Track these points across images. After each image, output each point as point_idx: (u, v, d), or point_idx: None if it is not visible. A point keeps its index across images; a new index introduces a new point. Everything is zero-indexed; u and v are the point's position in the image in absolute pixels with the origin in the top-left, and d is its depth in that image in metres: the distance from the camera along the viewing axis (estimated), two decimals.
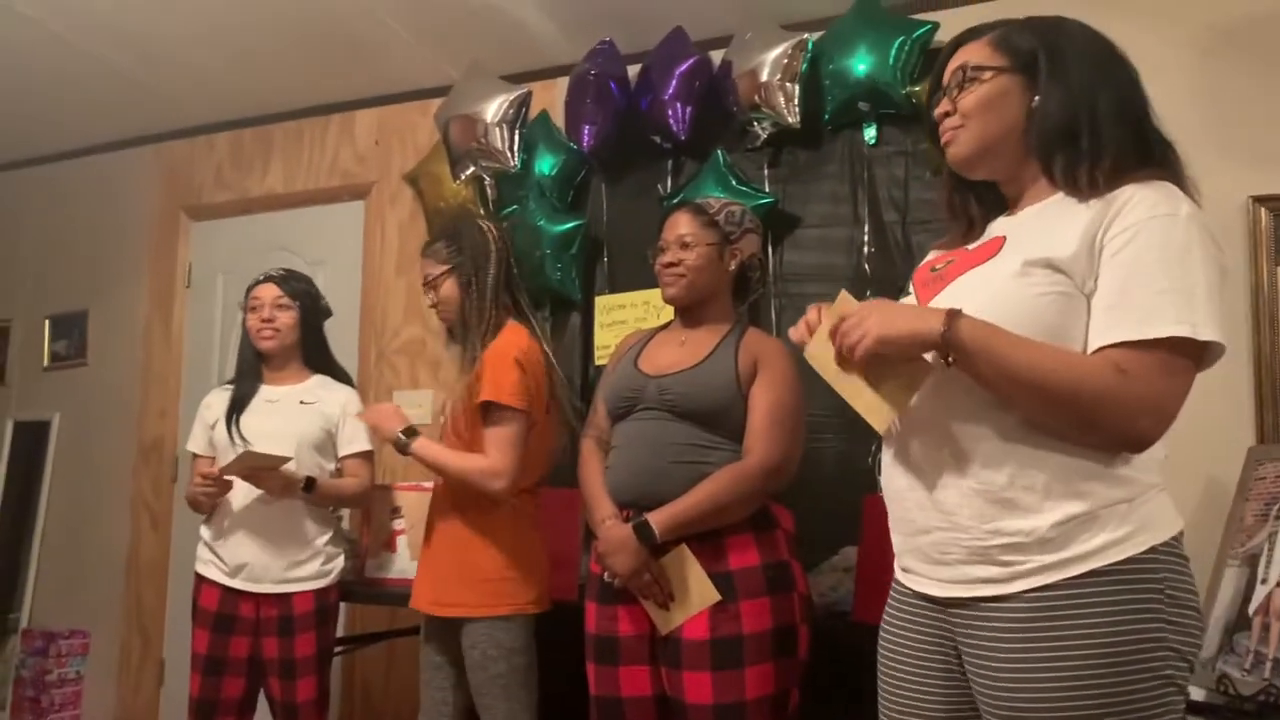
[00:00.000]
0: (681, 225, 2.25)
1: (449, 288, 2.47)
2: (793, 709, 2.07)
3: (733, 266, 2.28)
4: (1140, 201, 1.31)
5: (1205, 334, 1.27)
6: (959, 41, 1.52)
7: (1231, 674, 2.16)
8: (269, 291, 2.80)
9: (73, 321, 4.86)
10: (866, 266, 2.99)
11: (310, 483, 2.67)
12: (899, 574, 1.54)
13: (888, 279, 2.92)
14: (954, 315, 1.31)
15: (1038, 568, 1.33)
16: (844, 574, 2.57)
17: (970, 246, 1.51)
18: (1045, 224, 1.39)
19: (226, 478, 2.64)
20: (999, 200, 1.54)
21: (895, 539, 1.52)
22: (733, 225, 2.29)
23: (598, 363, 3.33)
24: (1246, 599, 2.24)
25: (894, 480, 1.50)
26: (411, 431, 2.36)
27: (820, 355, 1.45)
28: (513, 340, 2.38)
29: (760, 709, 2.00)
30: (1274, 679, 2.05)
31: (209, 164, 4.59)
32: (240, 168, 4.50)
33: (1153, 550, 1.33)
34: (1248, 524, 2.35)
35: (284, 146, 4.39)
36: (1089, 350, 1.32)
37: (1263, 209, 2.59)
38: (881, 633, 1.56)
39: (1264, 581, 2.22)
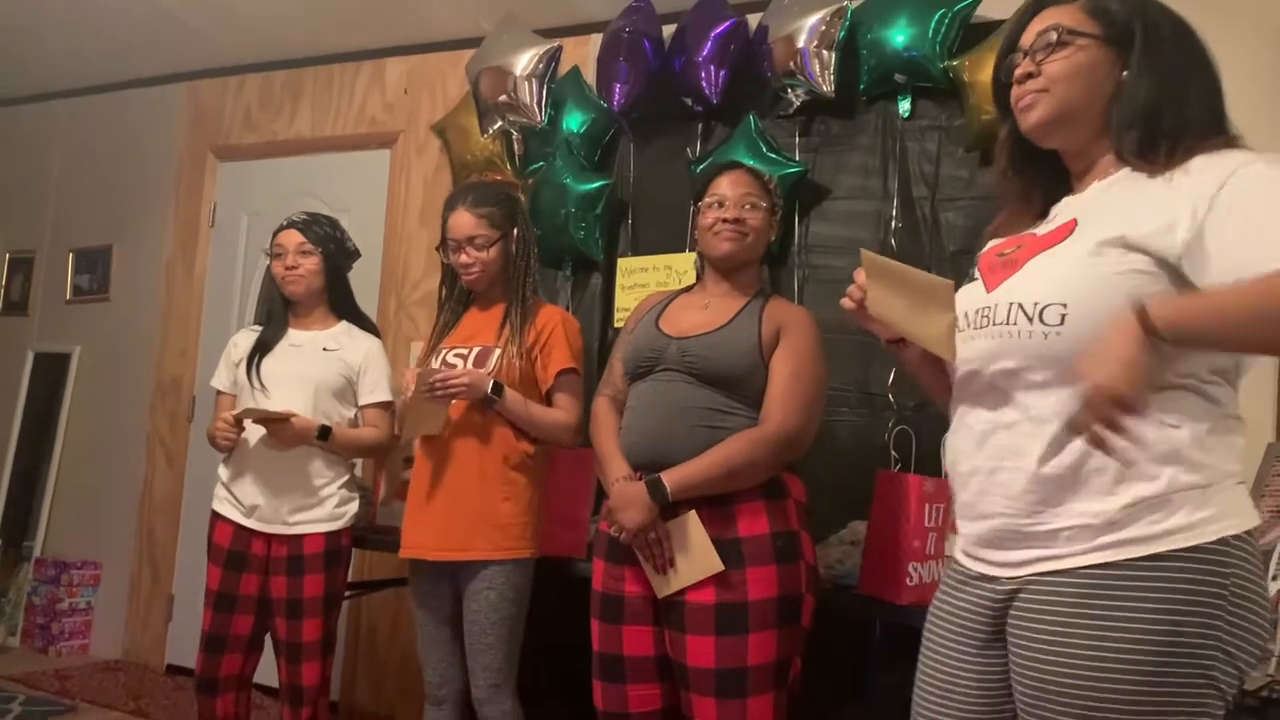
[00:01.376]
0: (744, 184, 2.25)
1: (491, 253, 2.55)
2: (794, 677, 2.08)
3: (774, 237, 2.34)
4: (1225, 160, 1.28)
5: None
6: (1042, 3, 1.46)
7: None
8: (292, 238, 2.80)
9: (96, 256, 4.89)
10: (893, 241, 2.96)
11: (326, 431, 2.68)
12: (959, 556, 1.49)
13: (914, 255, 2.89)
14: (1139, 306, 1.21)
15: (1100, 545, 1.29)
16: (851, 547, 2.57)
17: (1039, 231, 1.45)
18: (1116, 201, 1.36)
19: (243, 422, 2.67)
20: (1056, 176, 1.49)
21: (959, 523, 1.48)
22: (778, 196, 2.34)
23: (616, 325, 3.32)
24: None
25: (958, 463, 1.47)
26: (499, 387, 2.43)
27: (882, 302, 1.50)
28: (561, 313, 2.63)
29: (761, 675, 2.01)
30: (1278, 674, 2.04)
31: (238, 105, 4.58)
32: (269, 110, 4.50)
33: (1223, 541, 1.27)
34: (1263, 520, 2.34)
35: (314, 91, 4.38)
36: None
37: None
38: (931, 610, 1.51)
39: (1275, 578, 2.21)
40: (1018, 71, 1.44)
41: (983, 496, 1.40)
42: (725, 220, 2.22)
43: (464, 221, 2.54)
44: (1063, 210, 1.45)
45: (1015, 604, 1.36)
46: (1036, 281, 1.36)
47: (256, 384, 2.73)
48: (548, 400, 2.53)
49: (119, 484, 4.67)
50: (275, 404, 2.70)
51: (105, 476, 4.73)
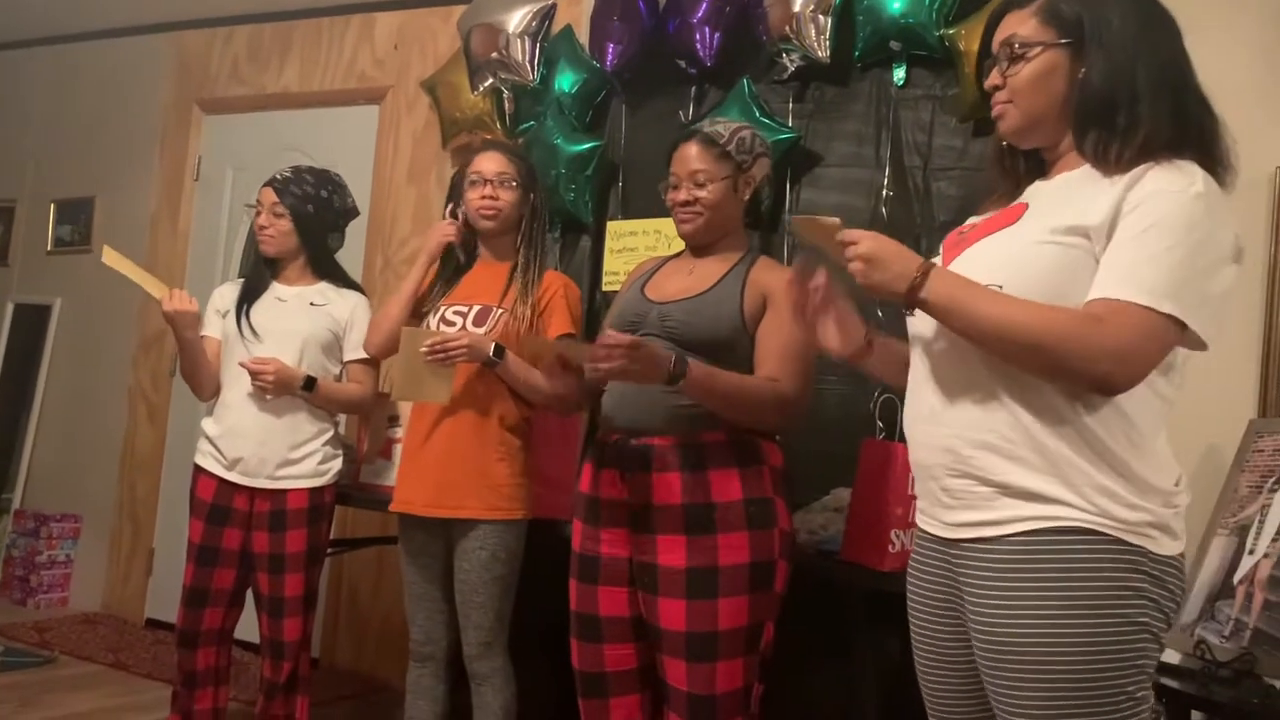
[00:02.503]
0: (694, 160, 2.18)
1: (514, 197, 2.55)
2: (767, 642, 2.09)
3: (747, 196, 2.24)
4: (1155, 179, 1.35)
5: (1165, 307, 1.31)
6: (1005, 8, 1.52)
7: (1210, 640, 2.18)
8: (268, 196, 2.78)
9: (79, 207, 4.83)
10: (884, 210, 2.95)
11: (310, 382, 2.67)
12: (917, 518, 1.60)
13: (905, 224, 2.88)
14: (924, 275, 1.38)
15: (1030, 516, 1.40)
16: (835, 514, 2.59)
17: (992, 212, 1.55)
18: (1069, 194, 1.44)
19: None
20: (1042, 166, 1.56)
21: (916, 485, 1.60)
22: (744, 153, 2.21)
23: (605, 288, 3.31)
24: (1232, 568, 2.25)
25: (911, 428, 1.57)
26: (500, 349, 2.42)
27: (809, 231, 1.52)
28: (563, 278, 2.62)
29: (732, 639, 2.02)
30: (1252, 647, 2.07)
31: (225, 57, 4.52)
32: (257, 63, 4.44)
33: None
34: (1242, 495, 2.36)
35: (302, 44, 4.32)
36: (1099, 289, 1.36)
37: None
38: (908, 576, 1.62)
39: (1251, 552, 2.23)
40: (987, 83, 1.52)
41: (929, 454, 1.51)
42: (678, 203, 2.20)
43: (494, 159, 2.55)
44: (1024, 194, 1.53)
45: (967, 572, 1.46)
46: (979, 262, 1.44)
47: (248, 333, 2.71)
48: None
49: (100, 437, 4.64)
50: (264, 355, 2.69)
51: (86, 429, 4.71)
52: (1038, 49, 1.45)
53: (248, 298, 2.77)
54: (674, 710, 2.05)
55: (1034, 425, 1.40)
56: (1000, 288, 1.38)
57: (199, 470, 2.76)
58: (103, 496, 4.61)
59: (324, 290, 2.82)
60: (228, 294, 2.85)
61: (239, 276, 2.93)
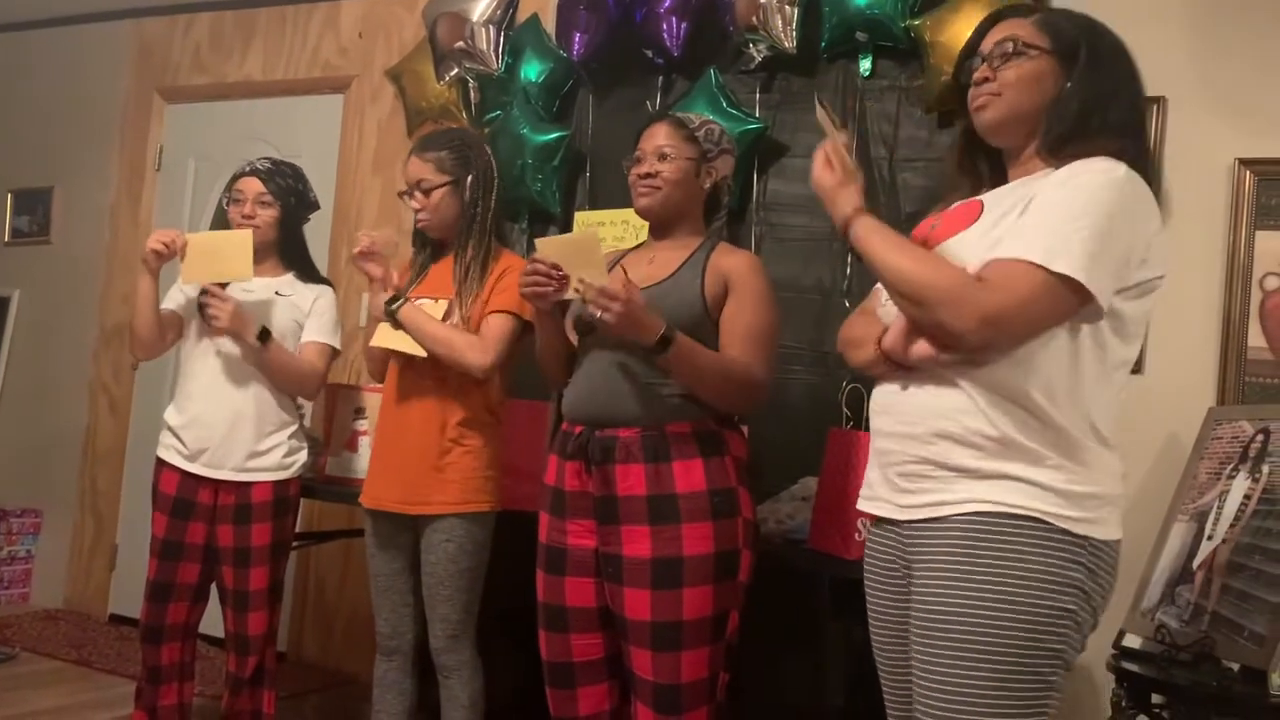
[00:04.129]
0: (661, 136, 2.20)
1: (444, 199, 2.47)
2: (732, 630, 2.10)
3: (707, 185, 2.24)
4: (1081, 164, 1.47)
5: (1058, 265, 1.38)
6: (1000, 15, 1.63)
7: (1170, 624, 2.22)
8: (252, 186, 2.74)
9: (37, 197, 4.75)
10: None
11: (265, 333, 2.62)
12: (865, 504, 1.66)
13: (871, 214, 2.89)
14: (855, 216, 1.56)
15: (981, 499, 1.47)
16: (802, 503, 2.60)
17: (952, 209, 1.64)
18: (1022, 193, 1.52)
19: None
20: (999, 170, 1.66)
21: (870, 471, 1.66)
22: (711, 143, 2.25)
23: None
24: (1192, 553, 2.29)
25: (875, 418, 1.63)
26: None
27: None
28: (520, 261, 2.45)
29: (697, 629, 2.03)
30: (1211, 631, 2.11)
31: (187, 44, 4.46)
32: (219, 51, 4.38)
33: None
34: (1201, 481, 2.40)
35: (266, 32, 4.27)
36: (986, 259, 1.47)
37: (1248, 171, 2.59)
38: (865, 564, 1.69)
39: (1210, 538, 2.27)
40: (976, 75, 1.60)
41: (891, 441, 1.58)
42: (639, 176, 2.20)
43: (413, 165, 2.49)
44: (985, 195, 1.62)
45: (916, 551, 1.54)
46: (949, 253, 1.52)
47: (209, 330, 2.68)
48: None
49: (60, 431, 4.58)
50: (226, 351, 2.67)
51: (46, 423, 4.64)
52: (1035, 52, 1.55)
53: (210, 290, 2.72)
54: (640, 699, 2.06)
55: (993, 412, 1.46)
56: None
57: (161, 463, 2.72)
58: (64, 491, 4.55)
59: (291, 281, 2.79)
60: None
61: None
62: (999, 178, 1.64)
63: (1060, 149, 1.51)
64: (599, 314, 1.96)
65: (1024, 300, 1.40)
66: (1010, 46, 1.56)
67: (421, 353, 2.39)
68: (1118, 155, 1.47)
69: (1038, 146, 1.56)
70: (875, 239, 1.54)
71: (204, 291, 2.62)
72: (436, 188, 2.47)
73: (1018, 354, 1.45)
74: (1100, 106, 1.52)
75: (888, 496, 1.59)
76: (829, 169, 1.61)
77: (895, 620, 1.60)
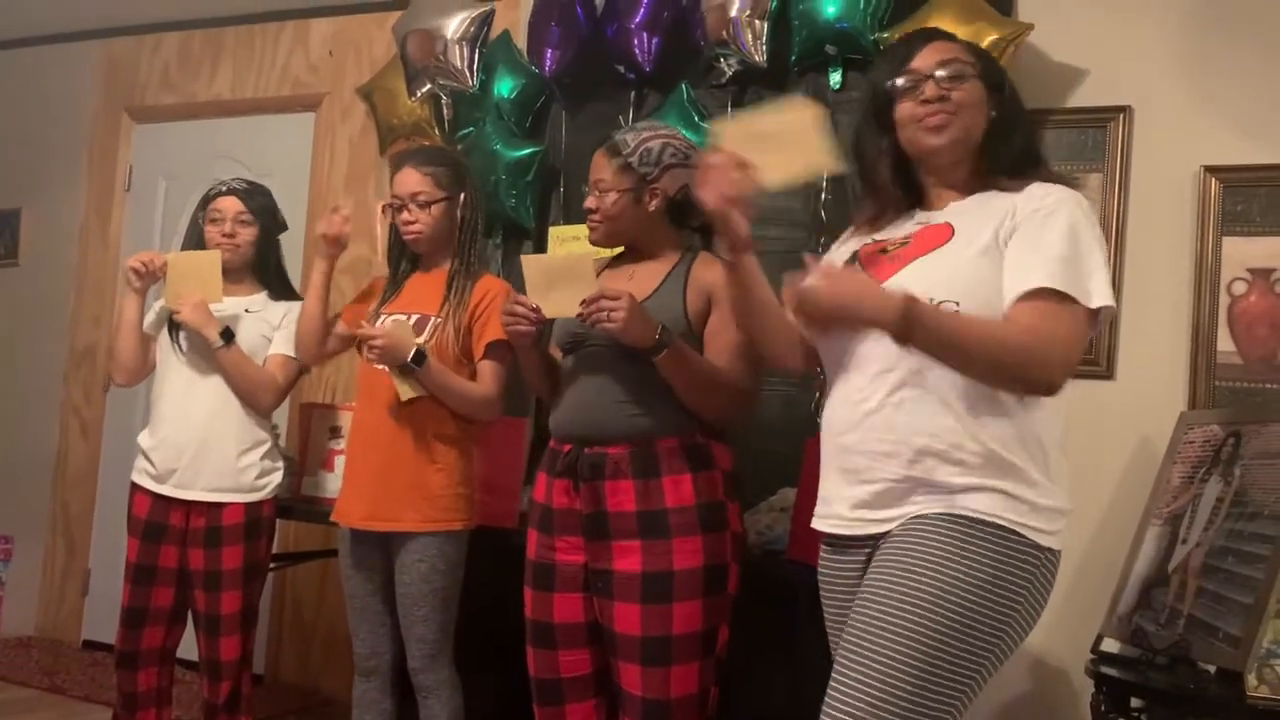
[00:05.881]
0: (597, 169, 2.19)
1: (441, 214, 2.49)
2: (721, 644, 2.10)
3: (653, 207, 2.18)
4: (1047, 192, 1.57)
5: (1096, 301, 1.50)
6: (931, 35, 1.72)
7: (1146, 628, 2.23)
8: (232, 205, 2.72)
9: (4, 220, 4.71)
10: (823, 213, 2.98)
11: (229, 334, 2.60)
12: (823, 524, 1.71)
13: (842, 226, 2.84)
14: (909, 303, 1.45)
15: (962, 507, 1.51)
16: (780, 514, 2.61)
17: (905, 233, 1.67)
18: (989, 213, 1.58)
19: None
20: (910, 189, 1.72)
21: (828, 486, 1.69)
22: (649, 165, 2.16)
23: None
24: (1166, 558, 2.31)
25: (842, 435, 1.64)
26: (421, 355, 2.34)
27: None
28: (502, 284, 2.54)
29: (687, 644, 2.02)
30: (1186, 634, 2.13)
31: (155, 64, 4.43)
32: (187, 70, 4.36)
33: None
34: (1174, 485, 2.42)
35: (234, 51, 4.25)
36: (1005, 297, 1.52)
37: (1214, 179, 2.63)
38: (821, 583, 1.75)
39: (1184, 542, 2.29)
40: (930, 92, 1.62)
41: (853, 456, 1.60)
42: (587, 210, 2.21)
43: (409, 178, 2.48)
44: (933, 217, 1.66)
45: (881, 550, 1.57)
46: (929, 279, 1.54)
47: (179, 350, 2.66)
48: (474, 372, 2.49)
49: (30, 455, 4.52)
50: (196, 371, 2.65)
51: (15, 447, 4.58)
52: (974, 79, 1.63)
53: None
54: (628, 716, 2.05)
55: (981, 431, 1.50)
56: (958, 304, 1.51)
57: (134, 487, 2.70)
58: (35, 516, 4.48)
59: (263, 299, 2.78)
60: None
61: None
62: (912, 197, 1.72)
63: (1010, 172, 1.62)
64: (603, 318, 1.96)
65: (1081, 338, 1.51)
66: (958, 69, 1.62)
67: (414, 394, 2.39)
68: (1056, 180, 1.61)
69: (982, 169, 1.64)
70: (945, 318, 1.50)
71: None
72: (436, 202, 2.47)
73: None
74: (1029, 133, 1.71)
75: (858, 515, 1.60)
76: (829, 278, 1.53)
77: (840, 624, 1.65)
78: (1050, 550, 1.53)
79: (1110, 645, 2.38)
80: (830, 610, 1.72)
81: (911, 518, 1.54)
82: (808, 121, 1.64)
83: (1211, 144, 2.64)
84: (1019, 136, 1.66)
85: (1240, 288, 2.62)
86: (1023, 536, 1.49)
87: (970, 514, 1.49)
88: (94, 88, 4.54)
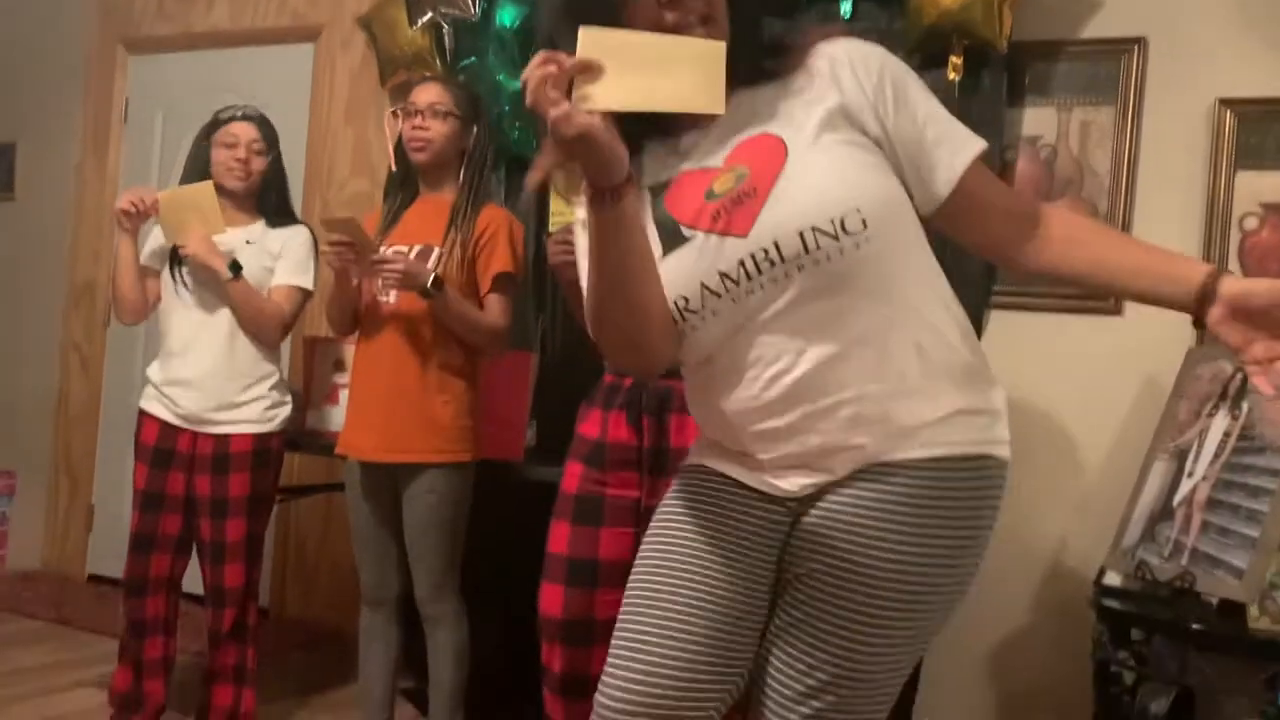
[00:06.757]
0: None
1: (453, 132, 2.47)
2: None
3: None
4: (866, 52, 1.30)
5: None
6: None
7: (1150, 561, 2.24)
8: (247, 132, 2.67)
9: None
10: None
11: (236, 267, 2.57)
12: (749, 476, 1.34)
13: None
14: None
15: (942, 441, 1.26)
16: None
17: (713, 163, 1.28)
18: (792, 104, 1.27)
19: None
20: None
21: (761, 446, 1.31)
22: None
23: (551, 229, 3.27)
24: (1172, 491, 2.31)
25: (762, 421, 1.30)
26: (439, 282, 2.33)
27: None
28: (506, 214, 2.55)
29: None
30: (1191, 566, 2.14)
31: None
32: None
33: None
34: (1181, 420, 2.42)
35: None
36: (950, 176, 1.28)
37: (1229, 111, 2.59)
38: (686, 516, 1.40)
39: (1190, 475, 2.29)
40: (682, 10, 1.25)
41: (811, 435, 1.26)
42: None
43: (430, 89, 2.47)
44: (720, 139, 1.29)
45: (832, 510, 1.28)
46: (808, 200, 1.21)
47: (183, 284, 2.64)
48: (481, 304, 2.48)
49: (32, 391, 4.52)
50: (201, 305, 2.63)
51: (16, 384, 4.58)
52: None
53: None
54: None
55: (917, 336, 1.26)
56: (860, 210, 1.19)
57: (142, 414, 2.69)
58: (38, 452, 4.49)
59: (261, 228, 2.73)
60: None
61: None
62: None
63: (774, 67, 1.31)
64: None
65: None
66: None
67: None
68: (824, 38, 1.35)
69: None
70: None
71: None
72: (451, 115, 2.45)
73: (912, 260, 1.28)
74: (769, 27, 1.39)
75: (800, 475, 1.28)
76: None
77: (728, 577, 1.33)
78: (1006, 464, 1.33)
79: (1113, 579, 2.39)
80: (724, 536, 1.38)
81: (881, 471, 1.29)
82: (712, 55, 1.14)
83: (1227, 76, 2.60)
84: (753, 26, 1.33)
85: (1252, 223, 2.59)
86: (1001, 460, 1.32)
87: (950, 451, 1.29)
88: (88, 19, 4.46)
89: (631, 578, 1.42)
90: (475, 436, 2.49)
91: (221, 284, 2.58)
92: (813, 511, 1.29)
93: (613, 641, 1.39)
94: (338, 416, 2.98)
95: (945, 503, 1.25)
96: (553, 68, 1.08)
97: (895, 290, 1.25)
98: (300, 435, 3.03)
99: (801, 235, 1.20)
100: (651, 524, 1.45)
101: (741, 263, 1.22)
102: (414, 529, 2.43)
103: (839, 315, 1.23)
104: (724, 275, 1.23)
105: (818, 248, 1.20)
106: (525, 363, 2.86)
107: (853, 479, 1.26)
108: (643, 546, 1.43)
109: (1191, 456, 2.31)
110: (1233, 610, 2.07)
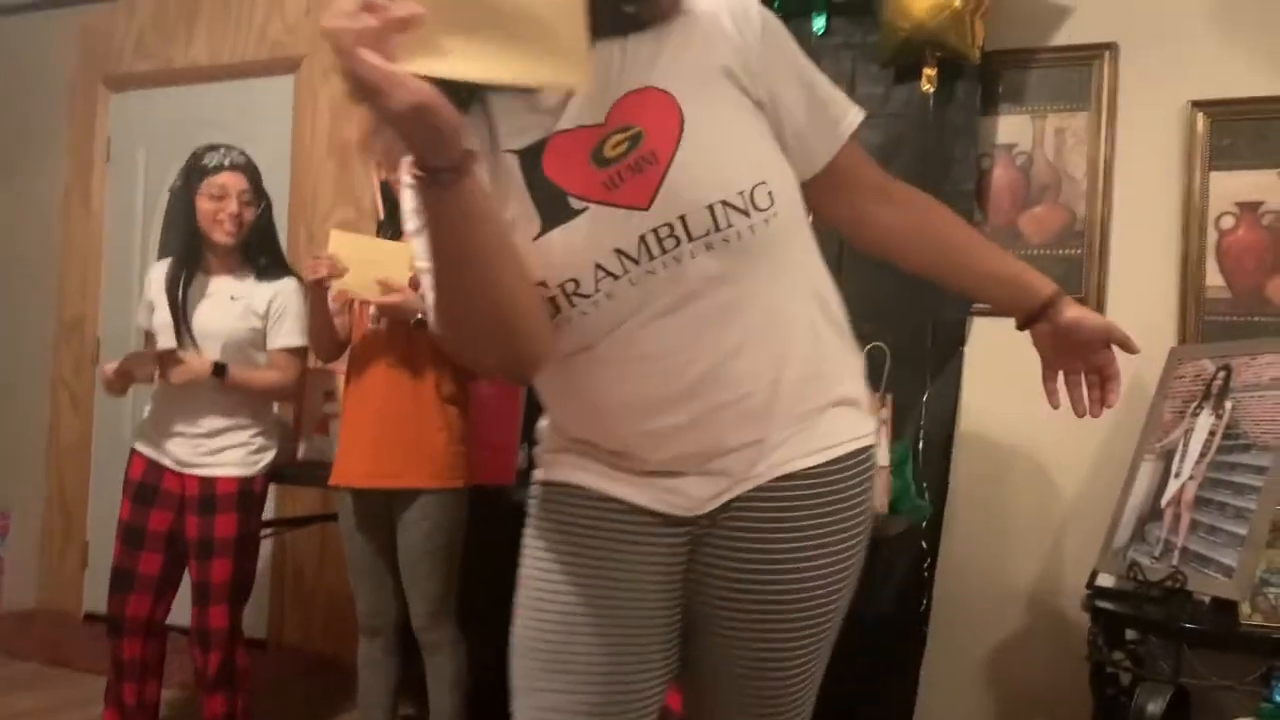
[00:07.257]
0: None
1: None
2: None
3: None
4: (746, 3, 1.15)
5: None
6: None
7: (1141, 561, 2.26)
8: (237, 183, 2.64)
9: None
10: None
11: (220, 368, 2.58)
12: (644, 497, 1.18)
13: None
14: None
15: (846, 433, 1.20)
16: None
17: (603, 112, 1.09)
18: (663, 55, 1.10)
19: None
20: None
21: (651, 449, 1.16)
22: None
23: None
24: (1160, 491, 2.33)
25: (656, 419, 1.16)
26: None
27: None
28: None
29: None
30: (1181, 566, 2.15)
31: (130, 30, 4.36)
32: (164, 35, 4.29)
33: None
34: (1165, 420, 2.44)
35: (210, 14, 4.18)
36: (833, 146, 1.20)
37: (1200, 113, 2.62)
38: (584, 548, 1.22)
39: (1177, 475, 2.31)
40: None
41: (710, 431, 1.13)
42: None
43: None
44: (595, 93, 1.08)
45: (729, 530, 1.17)
46: (716, 171, 1.08)
47: (189, 340, 2.63)
48: None
49: (22, 429, 4.51)
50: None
51: (7, 422, 4.57)
52: None
53: (179, 291, 2.65)
54: None
55: (817, 335, 1.18)
56: (767, 182, 1.09)
57: (133, 452, 2.70)
58: (31, 490, 4.48)
59: (246, 280, 2.71)
60: (157, 281, 2.72)
61: (161, 258, 2.80)
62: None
63: (640, 18, 1.10)
64: None
65: None
66: None
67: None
68: None
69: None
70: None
71: (165, 351, 2.58)
72: None
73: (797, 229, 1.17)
74: None
75: (706, 483, 1.16)
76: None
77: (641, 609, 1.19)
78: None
79: (1105, 580, 2.41)
80: (625, 569, 1.23)
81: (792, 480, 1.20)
82: (570, 5, 0.89)
83: (1198, 79, 2.63)
84: None
85: (1228, 222, 2.62)
86: (874, 449, 1.28)
87: (854, 445, 1.24)
88: (69, 57, 4.47)
89: (514, 630, 1.25)
90: (468, 462, 2.50)
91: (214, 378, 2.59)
92: (714, 537, 1.17)
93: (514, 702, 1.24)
94: (330, 447, 2.99)
95: (840, 506, 1.17)
96: (370, 19, 0.83)
97: (793, 270, 1.15)
98: (291, 467, 3.03)
99: (712, 210, 1.06)
100: (523, 565, 1.27)
101: (643, 239, 1.06)
102: (409, 556, 2.43)
103: (743, 298, 1.10)
104: (621, 253, 1.07)
105: (729, 225, 1.07)
106: (515, 387, 2.87)
107: (753, 497, 1.15)
108: (518, 595, 1.25)
109: (1178, 456, 2.33)
110: (1225, 608, 2.09)
